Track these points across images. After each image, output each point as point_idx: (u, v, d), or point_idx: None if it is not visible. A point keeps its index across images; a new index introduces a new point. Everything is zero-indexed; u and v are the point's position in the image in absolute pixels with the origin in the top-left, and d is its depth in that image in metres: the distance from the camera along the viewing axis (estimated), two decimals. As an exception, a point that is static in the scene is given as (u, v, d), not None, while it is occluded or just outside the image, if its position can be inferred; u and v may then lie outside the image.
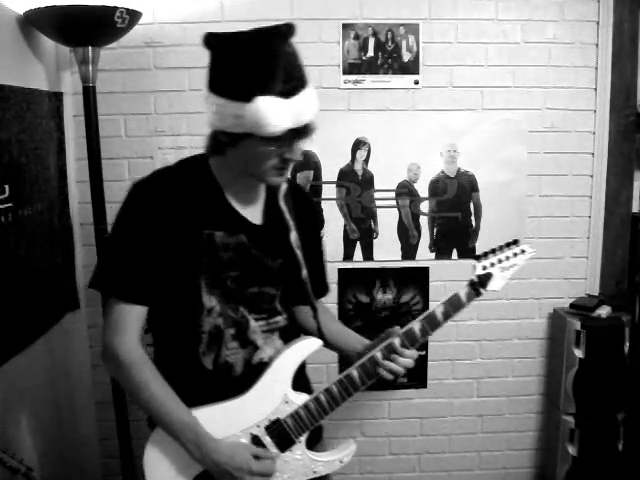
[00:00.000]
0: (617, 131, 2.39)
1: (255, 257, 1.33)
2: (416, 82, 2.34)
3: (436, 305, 1.33)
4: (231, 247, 1.30)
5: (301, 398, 1.32)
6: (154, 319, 1.34)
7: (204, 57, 1.20)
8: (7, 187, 1.71)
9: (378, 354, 1.31)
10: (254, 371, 1.33)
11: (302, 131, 1.21)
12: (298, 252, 1.39)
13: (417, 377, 2.52)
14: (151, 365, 1.28)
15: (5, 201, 1.71)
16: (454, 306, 1.33)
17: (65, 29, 1.86)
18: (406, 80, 2.33)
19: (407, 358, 1.31)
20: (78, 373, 2.32)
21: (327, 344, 1.45)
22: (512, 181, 2.42)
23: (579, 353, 2.31)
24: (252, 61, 1.15)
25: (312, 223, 1.53)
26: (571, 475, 2.38)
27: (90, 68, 1.94)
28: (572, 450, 2.37)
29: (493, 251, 1.37)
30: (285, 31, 1.17)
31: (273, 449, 1.31)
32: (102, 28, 1.87)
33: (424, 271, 2.44)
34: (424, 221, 2.43)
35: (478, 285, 1.35)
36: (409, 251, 2.44)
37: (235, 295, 1.32)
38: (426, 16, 2.30)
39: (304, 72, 1.21)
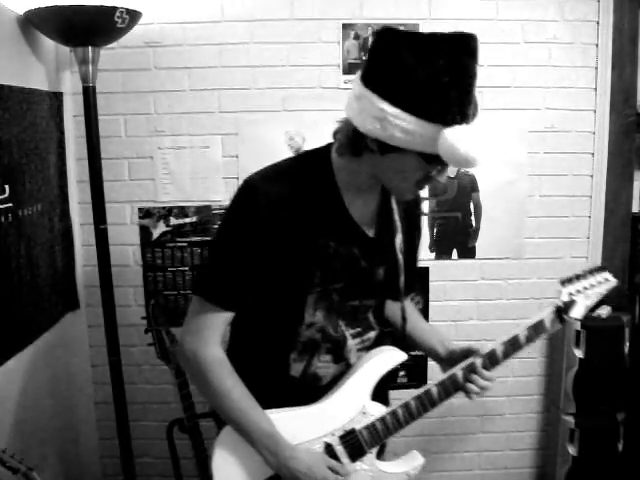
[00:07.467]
0: (617, 131, 2.39)
1: (362, 269, 1.26)
2: (416, 82, 2.33)
3: (520, 329, 1.35)
4: (341, 258, 1.22)
5: (379, 410, 1.29)
6: (242, 318, 1.27)
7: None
8: (7, 187, 1.72)
9: (459, 373, 1.31)
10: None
11: None
12: (400, 257, 1.32)
13: (417, 377, 2.52)
14: (232, 370, 1.23)
15: (5, 201, 1.71)
16: (537, 331, 1.35)
17: (65, 29, 1.85)
18: (406, 80, 2.33)
19: (486, 380, 1.31)
20: (78, 373, 2.32)
21: (409, 341, 1.45)
22: (512, 181, 2.42)
23: (579, 353, 2.31)
24: (448, 82, 1.00)
25: (416, 223, 1.46)
26: (571, 475, 2.38)
27: (90, 68, 1.94)
28: (572, 450, 2.36)
29: (577, 277, 1.38)
30: (474, 46, 1.02)
31: (344, 458, 1.27)
32: (102, 28, 1.87)
33: (424, 271, 2.44)
34: (424, 221, 2.43)
35: (562, 312, 1.36)
36: (409, 251, 2.44)
37: (337, 308, 1.26)
38: (426, 16, 2.30)
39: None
